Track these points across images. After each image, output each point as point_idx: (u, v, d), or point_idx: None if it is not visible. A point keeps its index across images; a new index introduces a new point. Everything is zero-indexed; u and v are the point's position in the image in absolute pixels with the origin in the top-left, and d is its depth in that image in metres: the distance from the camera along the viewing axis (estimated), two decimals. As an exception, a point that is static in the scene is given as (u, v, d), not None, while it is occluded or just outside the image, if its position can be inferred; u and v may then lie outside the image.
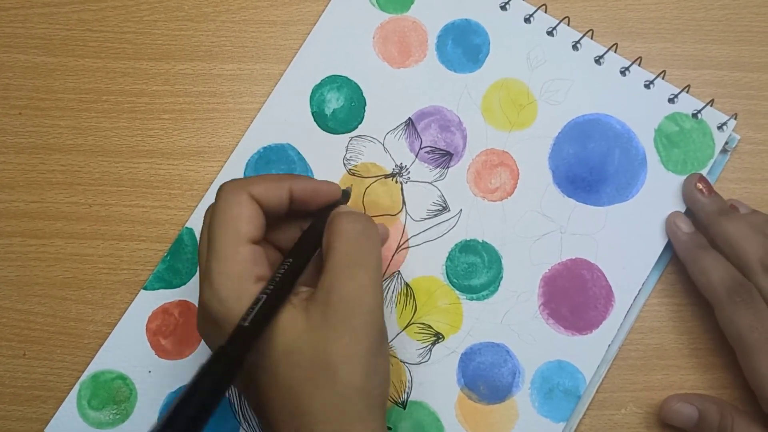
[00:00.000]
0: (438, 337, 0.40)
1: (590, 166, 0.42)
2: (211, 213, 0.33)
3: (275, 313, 0.30)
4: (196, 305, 0.38)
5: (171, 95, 0.45)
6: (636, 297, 0.40)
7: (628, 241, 0.41)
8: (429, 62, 0.43)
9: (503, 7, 0.44)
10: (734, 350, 0.38)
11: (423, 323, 0.41)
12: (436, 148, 0.42)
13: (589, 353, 0.40)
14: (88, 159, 0.44)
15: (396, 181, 0.42)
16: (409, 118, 0.43)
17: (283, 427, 0.30)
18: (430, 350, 0.40)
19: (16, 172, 0.44)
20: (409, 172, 0.42)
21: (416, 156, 0.42)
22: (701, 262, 0.38)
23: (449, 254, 0.41)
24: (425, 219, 0.42)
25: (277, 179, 0.34)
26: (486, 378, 0.40)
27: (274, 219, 0.34)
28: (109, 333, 0.42)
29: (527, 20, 0.44)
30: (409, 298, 0.41)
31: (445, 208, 0.42)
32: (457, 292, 0.41)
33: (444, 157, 0.42)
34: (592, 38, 0.43)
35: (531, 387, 0.40)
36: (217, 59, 0.45)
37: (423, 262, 0.41)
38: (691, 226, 0.40)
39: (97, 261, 0.43)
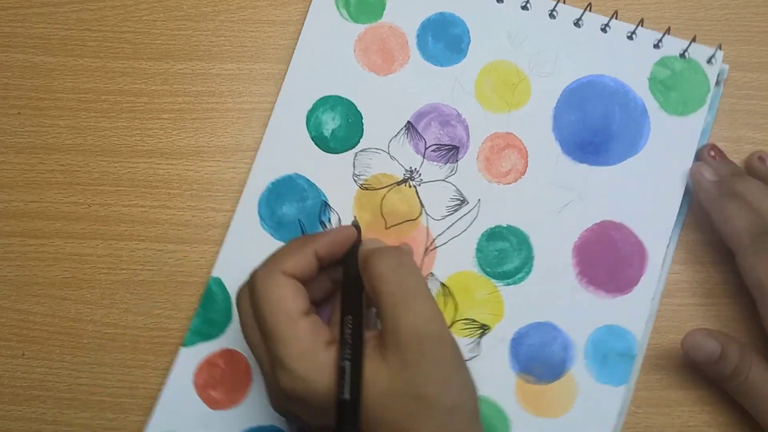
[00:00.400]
0: (484, 328, 0.41)
1: (594, 128, 0.42)
2: (253, 302, 0.33)
3: (359, 375, 0.31)
4: (238, 350, 0.41)
5: (170, 95, 0.45)
6: (668, 246, 0.41)
7: (648, 192, 0.41)
8: (414, 63, 0.43)
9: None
10: (754, 299, 0.37)
11: (466, 319, 0.41)
12: (441, 144, 0.42)
13: (634, 311, 0.40)
14: (87, 159, 0.44)
15: (409, 186, 0.42)
16: (408, 122, 0.43)
17: None
18: (479, 343, 0.40)
19: (15, 171, 0.44)
20: (420, 175, 0.42)
21: (423, 157, 0.42)
22: (726, 209, 0.38)
23: (477, 245, 0.41)
24: (446, 216, 0.42)
25: (300, 247, 0.34)
26: (539, 358, 0.40)
27: (317, 273, 0.35)
28: (109, 333, 0.42)
29: (499, 0, 0.44)
30: (447, 298, 0.41)
31: (463, 201, 0.42)
32: (493, 280, 0.41)
33: (451, 152, 0.42)
34: (564, 3, 0.43)
35: (585, 358, 0.40)
36: (216, 59, 0.45)
37: (454, 259, 0.41)
38: (715, 175, 0.40)
39: (96, 261, 0.43)
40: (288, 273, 0.33)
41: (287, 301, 0.32)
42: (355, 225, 0.38)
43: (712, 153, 0.41)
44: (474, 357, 0.40)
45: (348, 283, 0.35)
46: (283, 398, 0.33)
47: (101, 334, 0.43)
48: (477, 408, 0.33)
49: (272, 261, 0.34)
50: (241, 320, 0.34)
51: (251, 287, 0.34)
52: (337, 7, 0.44)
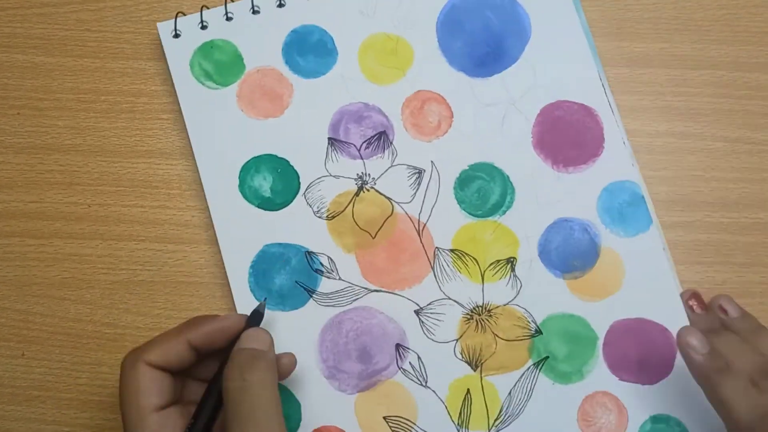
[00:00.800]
0: (511, 261, 0.41)
1: (483, 40, 0.43)
2: (119, 386, 0.35)
3: None
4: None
5: (169, 95, 0.45)
6: (605, 90, 0.42)
7: (561, 58, 0.43)
8: (299, 86, 0.43)
9: None
10: None
11: (491, 264, 0.41)
12: (368, 138, 0.43)
13: (617, 164, 0.42)
14: (86, 159, 0.44)
15: (367, 190, 0.42)
16: (328, 138, 0.43)
17: None
18: (515, 276, 0.41)
19: (14, 172, 0.44)
20: (369, 175, 0.42)
21: (362, 158, 0.42)
22: (722, 391, 0.34)
23: (457, 198, 0.42)
24: (415, 193, 0.42)
25: (173, 336, 0.35)
26: (572, 252, 0.41)
27: (194, 360, 0.36)
28: (108, 333, 0.42)
29: None
30: (463, 258, 0.41)
31: (420, 172, 0.42)
32: (489, 218, 0.42)
33: (381, 139, 0.43)
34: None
35: (607, 227, 0.41)
36: (215, 59, 0.45)
37: (446, 223, 0.42)
38: (706, 344, 0.35)
39: (95, 261, 0.43)
40: (152, 363, 0.34)
41: (139, 394, 0.34)
42: (257, 312, 0.38)
43: (693, 303, 0.40)
44: (520, 291, 0.41)
45: (212, 386, 0.35)
46: None
47: (101, 334, 0.43)
48: None
49: (140, 348, 0.35)
50: None
51: (120, 372, 0.35)
52: (201, 83, 0.43)
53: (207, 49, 0.43)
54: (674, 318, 0.40)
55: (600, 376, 0.40)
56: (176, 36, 0.43)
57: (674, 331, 0.38)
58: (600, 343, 0.40)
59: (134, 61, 0.45)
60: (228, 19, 0.43)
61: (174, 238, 0.43)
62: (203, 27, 0.43)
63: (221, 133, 0.43)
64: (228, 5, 0.43)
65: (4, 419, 0.42)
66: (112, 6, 0.46)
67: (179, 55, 0.43)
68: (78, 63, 0.45)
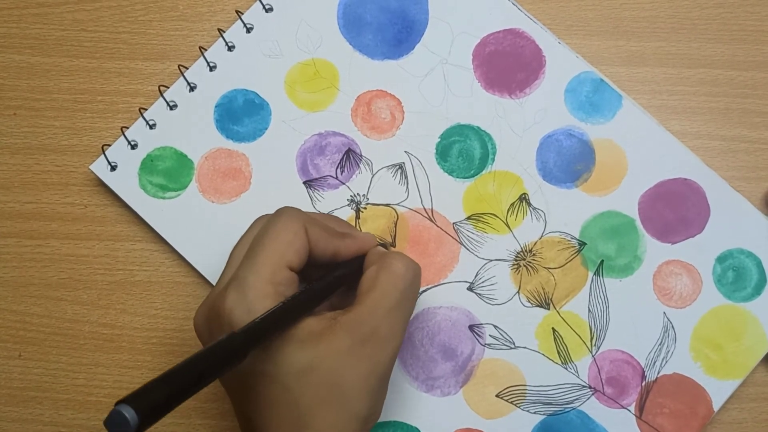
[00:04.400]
0: (523, 198, 0.42)
1: (388, 21, 0.43)
2: (265, 227, 0.34)
3: (293, 321, 0.31)
4: None
5: (166, 95, 0.45)
6: (518, 8, 0.43)
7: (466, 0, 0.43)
8: (252, 151, 0.42)
9: (211, 68, 0.43)
10: None
11: (508, 209, 0.42)
12: (338, 162, 0.43)
13: (564, 64, 0.43)
14: (83, 159, 0.44)
15: (365, 208, 0.42)
16: (304, 183, 0.42)
17: None
18: (534, 208, 0.42)
19: (11, 172, 0.44)
20: (359, 195, 0.42)
21: (343, 183, 0.42)
22: None
23: (446, 170, 0.42)
24: (407, 189, 0.42)
25: (331, 235, 0.35)
26: (570, 160, 0.42)
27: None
28: (106, 334, 0.42)
29: (230, 49, 0.43)
30: (482, 219, 0.42)
31: (399, 167, 0.42)
32: (485, 172, 0.42)
33: (350, 156, 0.43)
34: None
35: (586, 122, 0.42)
36: (212, 59, 0.45)
37: (449, 198, 0.42)
38: None
39: (92, 262, 0.43)
40: (309, 234, 0.34)
41: (289, 247, 0.33)
42: (386, 245, 0.40)
43: None
44: (545, 218, 0.42)
45: (342, 265, 0.35)
46: (213, 316, 0.33)
47: (98, 335, 0.42)
48: (374, 425, 0.34)
49: (306, 215, 0.35)
50: (244, 234, 0.35)
51: (274, 216, 0.34)
52: (161, 197, 0.42)
53: (148, 164, 0.42)
54: (687, 164, 0.42)
55: (655, 250, 0.41)
56: (113, 169, 0.42)
57: (693, 176, 0.42)
58: (638, 223, 0.42)
59: (130, 61, 0.45)
60: (151, 127, 0.43)
61: (171, 239, 0.43)
62: (133, 147, 0.43)
63: (203, 230, 0.42)
64: (145, 114, 0.43)
65: (1, 420, 0.42)
66: (108, 6, 0.45)
67: (126, 183, 0.42)
68: (74, 63, 0.45)
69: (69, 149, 0.44)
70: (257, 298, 0.31)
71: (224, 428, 0.42)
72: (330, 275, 0.35)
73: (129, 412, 0.22)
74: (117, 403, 0.22)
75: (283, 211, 0.35)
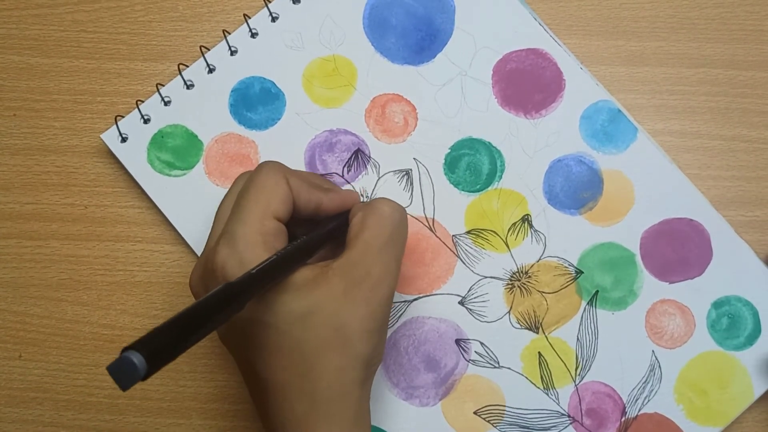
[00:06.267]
0: (525, 219, 0.42)
1: (413, 27, 0.43)
2: (248, 182, 0.34)
3: (288, 271, 0.32)
4: None
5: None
6: (543, 27, 0.43)
7: (491, 14, 0.43)
8: (262, 139, 0.43)
9: (233, 53, 0.43)
10: None
11: (509, 228, 0.42)
12: (346, 161, 0.43)
13: (583, 90, 0.43)
14: (83, 160, 0.44)
15: None
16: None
17: (289, 385, 0.32)
18: (535, 230, 0.42)
19: (11, 173, 0.44)
20: (362, 195, 0.42)
21: (349, 182, 0.42)
22: None
23: (452, 182, 0.42)
24: (411, 195, 0.42)
25: (313, 187, 0.35)
26: (577, 187, 0.42)
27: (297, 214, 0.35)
28: (106, 335, 0.42)
29: (254, 35, 0.43)
30: (482, 234, 0.42)
31: (407, 174, 0.42)
32: (491, 188, 0.42)
33: (359, 156, 0.43)
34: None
35: (598, 150, 0.42)
36: (212, 60, 0.45)
37: (452, 210, 0.42)
38: None
39: (92, 262, 0.43)
40: (290, 185, 0.34)
41: (274, 196, 0.33)
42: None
43: None
44: (545, 241, 0.42)
45: (332, 219, 0.36)
46: (208, 273, 0.33)
47: (98, 336, 0.42)
48: (376, 369, 0.34)
49: (286, 167, 0.35)
50: (228, 192, 0.36)
51: (255, 170, 0.34)
52: (167, 174, 0.42)
53: (159, 140, 0.43)
54: (695, 205, 0.42)
55: (651, 288, 0.41)
56: (124, 140, 0.43)
57: (698, 218, 0.41)
58: (638, 258, 0.41)
59: (130, 62, 0.45)
60: (166, 104, 0.43)
61: (171, 239, 0.43)
62: (145, 121, 0.43)
63: (204, 212, 0.42)
64: (162, 90, 0.43)
65: (2, 421, 0.42)
66: (107, 7, 0.46)
67: (135, 157, 0.42)
68: (74, 64, 0.45)
69: (69, 150, 0.44)
70: (248, 249, 0.32)
71: (225, 428, 0.42)
72: (318, 230, 0.35)
73: (137, 358, 0.22)
74: (124, 350, 0.23)
75: (264, 164, 0.35)
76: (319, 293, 0.32)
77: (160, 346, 0.24)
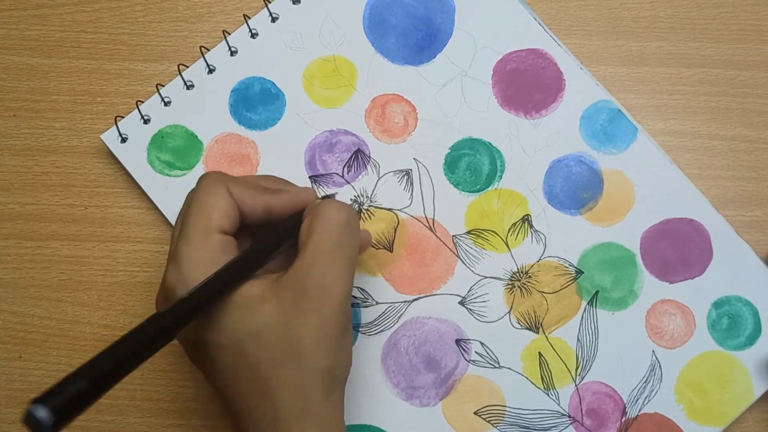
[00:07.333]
0: (526, 219, 0.42)
1: (412, 27, 0.43)
2: (187, 198, 0.34)
3: (230, 286, 0.31)
4: None
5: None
6: (543, 27, 0.43)
7: (491, 14, 0.43)
8: (262, 140, 0.42)
9: (232, 53, 0.43)
10: None
11: (509, 228, 0.42)
12: (346, 161, 0.43)
13: (583, 90, 0.43)
14: (83, 161, 0.44)
15: (367, 209, 0.42)
16: (310, 178, 0.42)
17: (251, 405, 0.31)
18: (535, 231, 0.42)
19: (11, 174, 0.44)
20: (363, 196, 0.42)
21: (348, 183, 0.42)
22: None
23: (452, 183, 0.42)
24: (411, 196, 0.42)
25: (259, 191, 0.34)
26: (578, 187, 0.42)
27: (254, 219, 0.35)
28: (106, 335, 0.42)
29: (254, 35, 0.43)
30: (482, 235, 0.42)
31: (407, 174, 0.42)
32: (491, 188, 0.42)
33: (359, 156, 0.43)
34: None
35: (598, 150, 0.42)
36: (212, 60, 0.45)
37: (452, 210, 0.42)
38: None
39: (93, 263, 0.43)
40: (231, 193, 0.33)
41: (215, 210, 0.32)
42: (330, 197, 0.38)
43: None
44: (545, 241, 0.42)
45: (280, 226, 0.35)
46: (164, 297, 0.33)
47: (98, 336, 0.42)
48: (345, 376, 0.33)
49: (227, 175, 0.34)
50: (180, 210, 0.34)
51: (196, 185, 0.34)
52: (167, 175, 0.42)
53: (159, 141, 0.43)
54: (695, 205, 0.42)
55: (651, 288, 0.41)
56: (124, 141, 0.43)
57: (699, 218, 0.41)
58: (638, 258, 0.41)
59: (130, 62, 0.45)
60: (166, 104, 0.43)
61: (171, 240, 0.43)
62: (145, 122, 0.43)
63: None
64: (162, 90, 0.43)
65: (2, 422, 0.42)
66: (107, 7, 0.46)
67: (135, 157, 0.42)
68: (74, 64, 0.45)
69: (69, 150, 0.44)
70: (192, 270, 0.31)
71: (225, 428, 0.42)
72: (269, 236, 0.34)
73: (41, 413, 0.21)
74: (32, 402, 0.22)
75: (203, 177, 0.34)
76: (269, 309, 0.31)
77: (70, 397, 0.22)
